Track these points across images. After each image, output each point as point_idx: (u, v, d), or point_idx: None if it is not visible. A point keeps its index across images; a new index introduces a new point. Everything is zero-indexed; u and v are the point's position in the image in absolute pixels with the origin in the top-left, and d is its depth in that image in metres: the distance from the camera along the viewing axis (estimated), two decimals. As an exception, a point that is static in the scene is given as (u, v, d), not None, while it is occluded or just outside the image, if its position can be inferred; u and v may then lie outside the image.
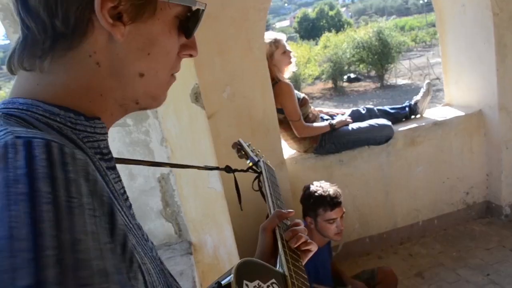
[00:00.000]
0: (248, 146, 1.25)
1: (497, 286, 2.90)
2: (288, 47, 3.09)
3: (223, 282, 0.72)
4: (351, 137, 3.18)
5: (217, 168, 1.08)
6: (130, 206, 0.64)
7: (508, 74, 3.41)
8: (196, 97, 1.97)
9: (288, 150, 3.35)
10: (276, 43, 3.05)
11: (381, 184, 3.46)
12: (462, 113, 3.64)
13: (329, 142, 3.17)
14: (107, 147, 0.60)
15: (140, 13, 0.54)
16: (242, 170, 1.14)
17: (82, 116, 0.54)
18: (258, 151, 1.24)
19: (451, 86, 3.94)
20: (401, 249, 3.53)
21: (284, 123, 3.10)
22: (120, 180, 0.63)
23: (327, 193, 2.36)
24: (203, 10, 0.61)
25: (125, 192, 0.64)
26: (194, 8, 0.60)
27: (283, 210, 0.95)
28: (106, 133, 0.59)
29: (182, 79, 1.97)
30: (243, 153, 1.23)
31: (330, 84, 20.47)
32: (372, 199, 3.46)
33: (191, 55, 0.64)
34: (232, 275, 0.70)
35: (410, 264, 3.31)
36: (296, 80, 19.13)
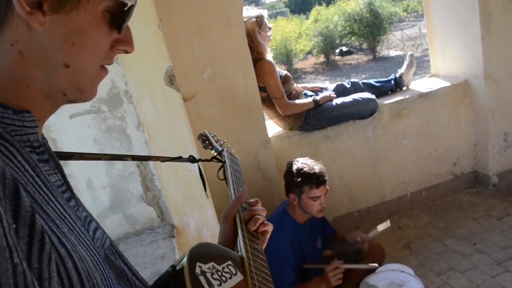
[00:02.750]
0: (213, 136, 1.26)
1: (483, 254, 2.93)
2: (269, 24, 3.05)
3: (177, 266, 0.71)
4: (336, 112, 3.16)
5: (180, 159, 1.07)
6: (71, 197, 0.64)
7: (493, 43, 3.38)
8: (171, 80, 1.94)
9: (273, 128, 3.33)
10: (259, 19, 3.00)
11: (368, 158, 3.46)
12: (448, 84, 3.62)
13: (314, 119, 3.15)
14: (37, 140, 0.60)
15: (62, 4, 0.53)
16: (206, 160, 1.14)
17: (10, 110, 0.54)
18: (223, 141, 1.25)
19: (437, 56, 3.91)
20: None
21: (268, 101, 3.07)
22: (57, 173, 0.63)
23: (313, 171, 2.36)
24: (133, 5, 0.60)
25: (63, 184, 0.64)
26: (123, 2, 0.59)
27: (239, 194, 0.95)
28: (37, 126, 0.59)
29: (155, 62, 1.94)
30: (208, 143, 1.24)
31: (322, 59, 20.31)
32: (359, 173, 3.47)
33: (126, 51, 0.62)
34: (185, 258, 0.70)
35: (398, 236, 3.34)
36: (288, 56, 18.99)
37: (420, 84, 3.75)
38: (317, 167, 2.39)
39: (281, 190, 3.03)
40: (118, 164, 1.99)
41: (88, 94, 0.62)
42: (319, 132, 3.26)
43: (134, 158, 1.00)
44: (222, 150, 1.18)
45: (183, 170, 2.11)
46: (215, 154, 1.18)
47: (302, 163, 2.44)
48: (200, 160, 1.10)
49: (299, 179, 2.37)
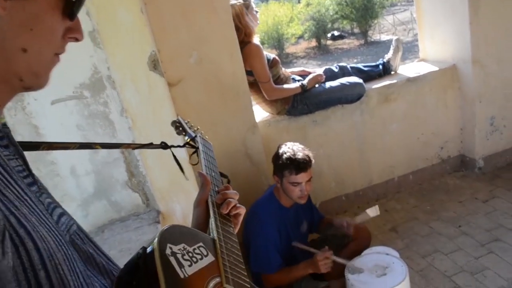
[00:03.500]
0: (186, 123, 1.26)
1: (468, 236, 2.98)
2: (255, 7, 3.03)
3: (147, 247, 0.72)
4: (323, 96, 3.16)
5: (152, 145, 1.06)
6: (33, 183, 0.65)
7: (481, 27, 3.38)
8: (155, 64, 1.92)
9: (261, 113, 3.33)
10: (246, 2, 2.98)
11: (355, 142, 3.48)
12: (436, 68, 3.63)
13: (302, 103, 3.15)
14: None
15: None
16: (178, 146, 1.14)
17: None
18: (197, 128, 1.25)
19: (426, 41, 3.91)
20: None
21: (255, 86, 3.06)
22: (17, 158, 0.64)
23: (295, 156, 2.35)
24: None
25: (25, 169, 0.65)
26: None
27: (207, 178, 0.96)
28: None
29: (138, 46, 1.92)
30: (181, 129, 1.24)
31: (313, 43, 20.20)
32: (347, 157, 3.49)
33: (76, 39, 0.63)
34: (156, 239, 0.70)
35: (385, 219, 3.38)
36: (279, 40, 18.87)
37: (408, 69, 3.75)
38: (300, 154, 2.37)
39: (268, 175, 3.04)
40: (102, 150, 1.98)
41: (43, 80, 0.63)
42: (307, 117, 3.26)
43: (103, 146, 1.00)
44: (195, 136, 1.18)
45: (168, 156, 2.09)
46: (189, 140, 1.18)
47: (289, 147, 2.44)
48: (172, 146, 1.10)
49: (281, 163, 2.38)
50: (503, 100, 3.63)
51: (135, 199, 2.10)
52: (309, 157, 2.38)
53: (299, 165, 2.32)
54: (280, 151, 2.43)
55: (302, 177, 2.33)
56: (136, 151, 2.01)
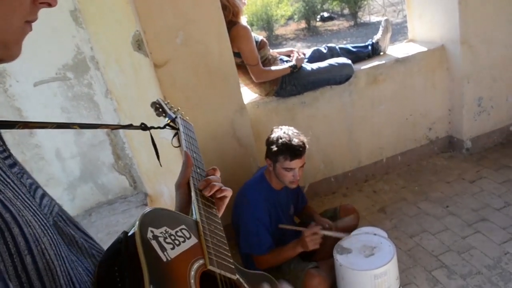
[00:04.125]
0: (166, 104, 1.23)
1: (455, 216, 3.01)
2: (242, -13, 2.97)
3: (129, 231, 0.71)
4: (311, 77, 3.14)
5: (131, 126, 1.04)
6: (14, 164, 0.63)
7: (470, 7, 3.36)
8: (139, 44, 1.88)
9: (249, 94, 3.30)
10: None
11: (344, 123, 3.47)
12: (425, 49, 3.61)
13: (290, 84, 3.12)
14: None
15: None
16: (158, 127, 1.12)
17: None
18: (177, 109, 1.22)
19: (414, 21, 3.89)
20: (365, 186, 3.61)
21: (243, 68, 3.02)
22: None
23: (290, 142, 2.33)
24: None
25: (5, 150, 0.63)
26: None
27: (190, 158, 0.94)
28: None
29: (122, 26, 1.88)
30: (161, 111, 1.21)
31: (303, 24, 20.03)
32: (336, 139, 3.48)
33: (49, 4, 0.60)
34: (137, 223, 0.69)
35: (374, 200, 3.40)
36: (269, 22, 18.68)
37: (397, 50, 3.74)
38: (296, 140, 2.35)
39: (257, 157, 3.03)
40: (87, 132, 1.95)
41: (14, 50, 0.59)
42: (295, 98, 3.24)
43: (82, 126, 0.97)
44: (176, 117, 1.16)
45: (154, 138, 2.08)
46: (169, 121, 1.16)
47: (284, 132, 2.41)
48: (152, 127, 1.08)
49: (276, 148, 2.36)
50: (490, 81, 3.64)
51: (122, 182, 2.08)
52: (304, 144, 2.37)
53: (295, 151, 2.31)
54: (276, 135, 2.41)
55: (296, 163, 2.32)
56: (122, 134, 1.98)
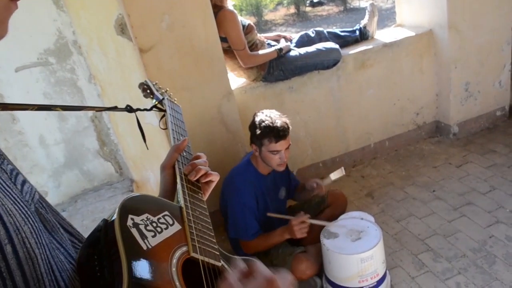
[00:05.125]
0: (154, 85, 1.21)
1: (441, 201, 3.04)
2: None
3: (109, 219, 0.69)
4: (299, 62, 3.12)
5: (116, 108, 1.01)
6: None
7: (458, -9, 3.35)
8: (122, 28, 1.84)
9: (236, 80, 3.27)
10: None
11: (332, 109, 3.47)
12: (413, 34, 3.60)
13: (277, 69, 3.10)
14: None
15: None
16: (145, 109, 1.09)
17: None
18: (166, 90, 1.20)
19: (403, 5, 3.87)
20: (353, 172, 3.63)
21: (230, 53, 2.99)
22: None
23: (274, 124, 2.32)
24: None
25: None
26: None
27: (178, 143, 0.92)
28: None
29: (104, 9, 1.83)
30: (149, 92, 1.18)
31: (292, 10, 19.89)
32: (324, 124, 3.48)
33: None
34: (116, 210, 0.67)
35: (362, 185, 3.42)
36: (258, 7, 18.52)
37: (385, 34, 3.72)
38: (279, 121, 2.33)
39: (245, 143, 3.02)
40: (71, 119, 1.92)
41: (0, 29, 0.56)
42: (283, 83, 3.22)
43: (64, 108, 0.94)
44: (163, 98, 1.13)
45: (140, 123, 2.05)
46: (156, 103, 1.13)
47: (266, 115, 2.40)
48: (138, 109, 1.05)
49: (259, 131, 2.35)
50: (477, 66, 3.65)
51: (108, 168, 2.06)
52: (287, 124, 2.35)
53: (279, 133, 2.29)
54: (257, 119, 2.39)
55: (281, 145, 2.31)
56: (107, 119, 1.95)
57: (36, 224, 0.57)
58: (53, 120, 1.89)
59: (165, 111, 1.10)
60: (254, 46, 3.06)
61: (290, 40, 3.39)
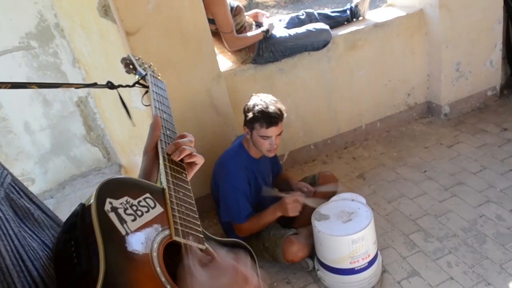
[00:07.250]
0: (137, 60, 1.16)
1: (432, 181, 3.04)
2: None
3: (86, 204, 0.67)
4: (289, 44, 3.07)
5: (96, 85, 0.98)
6: None
7: (448, -31, 3.31)
8: (105, 10, 1.80)
9: (226, 62, 3.23)
10: None
11: (323, 90, 3.44)
12: (403, 13, 3.56)
13: (267, 51, 3.05)
14: None
15: None
16: (127, 86, 1.06)
17: None
18: (150, 64, 1.16)
19: (393, -15, 3.82)
20: (345, 153, 3.62)
21: (218, 35, 2.93)
22: None
23: (266, 110, 2.29)
24: None
25: None
26: None
27: (158, 120, 0.89)
28: None
29: (86, -10, 1.78)
30: (132, 67, 1.14)
31: (284, -9, 19.68)
32: (315, 106, 3.45)
33: None
34: (93, 194, 0.65)
35: (353, 167, 3.41)
36: (248, -12, 18.28)
37: (375, 14, 3.68)
38: (273, 107, 2.30)
39: (235, 126, 2.99)
40: (56, 104, 1.89)
41: None
42: (273, 65, 3.18)
43: (40, 85, 0.91)
44: (146, 74, 1.09)
45: (127, 108, 2.02)
46: (139, 79, 1.09)
47: (261, 99, 2.36)
48: (120, 86, 1.02)
49: (252, 115, 2.32)
50: (468, 46, 3.63)
51: (95, 154, 2.03)
52: (280, 111, 2.32)
53: (270, 118, 2.27)
54: (252, 102, 2.36)
55: (272, 131, 2.29)
56: (93, 104, 1.91)
57: (2, 212, 0.54)
58: (38, 106, 1.86)
59: (148, 87, 1.06)
60: (242, 28, 3.01)
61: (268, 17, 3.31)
